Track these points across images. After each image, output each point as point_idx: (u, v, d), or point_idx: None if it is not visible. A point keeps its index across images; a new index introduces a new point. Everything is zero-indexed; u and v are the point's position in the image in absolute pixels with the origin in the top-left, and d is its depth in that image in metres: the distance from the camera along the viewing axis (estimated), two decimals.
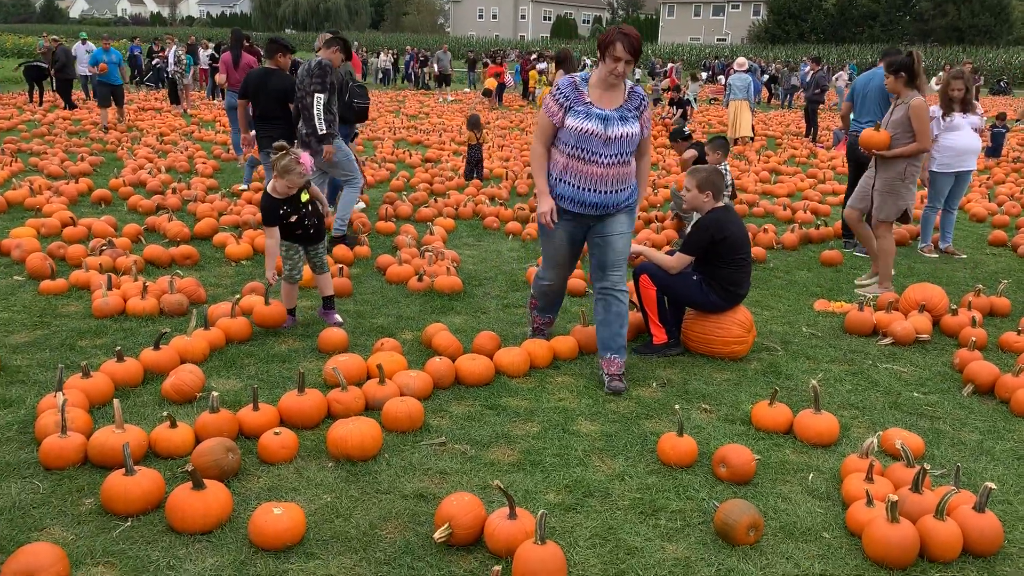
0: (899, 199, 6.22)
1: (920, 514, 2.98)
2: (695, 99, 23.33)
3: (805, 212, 9.04)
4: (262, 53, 11.73)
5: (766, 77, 30.94)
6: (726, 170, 7.50)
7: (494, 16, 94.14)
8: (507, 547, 2.81)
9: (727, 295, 4.81)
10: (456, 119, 19.57)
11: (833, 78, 28.54)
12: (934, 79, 15.30)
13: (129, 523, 2.99)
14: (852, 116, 7.77)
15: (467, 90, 32.99)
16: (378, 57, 35.96)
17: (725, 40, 73.77)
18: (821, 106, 19.40)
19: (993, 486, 2.98)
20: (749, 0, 75.85)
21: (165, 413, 3.57)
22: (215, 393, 3.65)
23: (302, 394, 3.84)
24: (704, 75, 35.34)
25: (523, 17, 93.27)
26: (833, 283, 6.66)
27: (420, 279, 6.04)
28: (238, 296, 5.24)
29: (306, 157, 4.82)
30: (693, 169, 4.94)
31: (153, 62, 26.85)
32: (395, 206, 8.68)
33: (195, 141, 14.30)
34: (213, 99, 22.85)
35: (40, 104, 20.20)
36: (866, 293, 6.29)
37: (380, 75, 35.03)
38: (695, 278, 4.82)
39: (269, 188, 4.90)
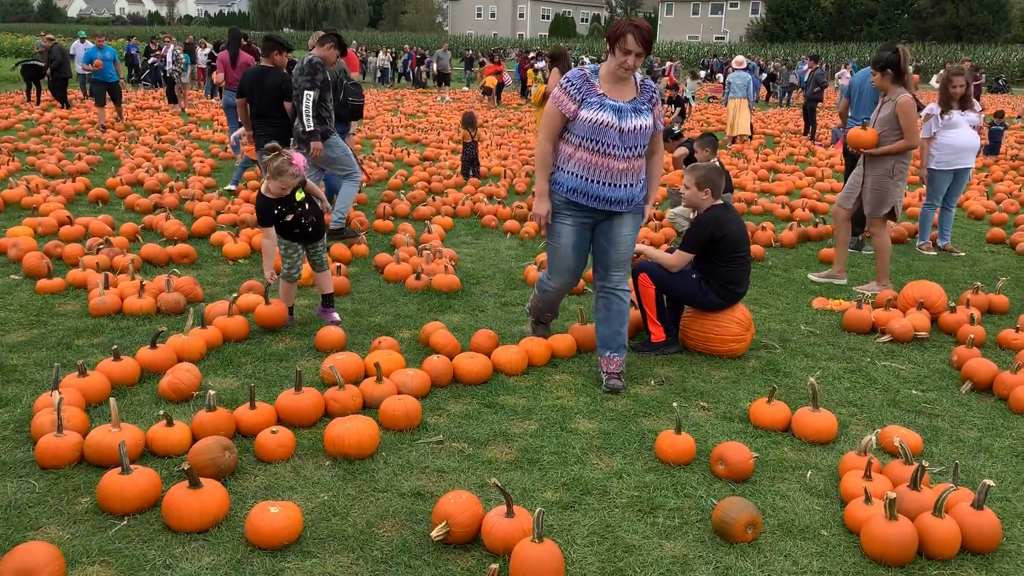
0: (888, 196, 6.22)
1: (918, 511, 2.98)
2: (693, 97, 23.33)
3: (803, 210, 9.04)
4: (260, 52, 11.72)
5: (764, 76, 30.95)
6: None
7: (492, 15, 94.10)
8: (504, 545, 2.81)
9: (726, 293, 4.80)
10: (454, 118, 19.55)
11: (836, 76, 28.56)
12: (935, 77, 15.30)
13: (125, 522, 2.98)
14: (849, 113, 7.76)
15: (465, 88, 32.99)
16: (377, 56, 35.95)
17: (723, 38, 73.83)
18: (820, 104, 19.40)
19: (991, 483, 2.98)
20: None
21: (162, 412, 3.56)
22: (212, 392, 3.64)
23: (299, 392, 3.83)
24: (703, 73, 35.37)
25: (521, 16, 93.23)
26: (832, 281, 6.65)
27: (418, 277, 6.03)
28: (235, 295, 5.23)
29: (298, 157, 4.80)
30: (693, 167, 4.93)
31: (150, 61, 26.84)
32: (393, 204, 8.67)
33: (193, 140, 14.29)
34: (211, 98, 22.84)
35: (38, 103, 20.17)
36: (864, 291, 6.29)
37: (378, 74, 35.02)
38: (694, 276, 4.81)
39: (263, 189, 4.88)
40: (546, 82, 10.52)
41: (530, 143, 14.42)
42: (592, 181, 4.13)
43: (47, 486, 3.21)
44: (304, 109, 6.74)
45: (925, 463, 3.16)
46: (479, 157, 11.30)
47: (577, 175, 4.15)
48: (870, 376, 4.68)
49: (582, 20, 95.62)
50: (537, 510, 2.75)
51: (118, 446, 3.08)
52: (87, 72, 16.04)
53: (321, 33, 7.33)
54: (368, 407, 3.96)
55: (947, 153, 7.46)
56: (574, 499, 3.26)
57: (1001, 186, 11.22)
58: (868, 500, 3.06)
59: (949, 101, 7.46)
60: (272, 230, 4.92)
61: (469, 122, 10.98)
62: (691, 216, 6.06)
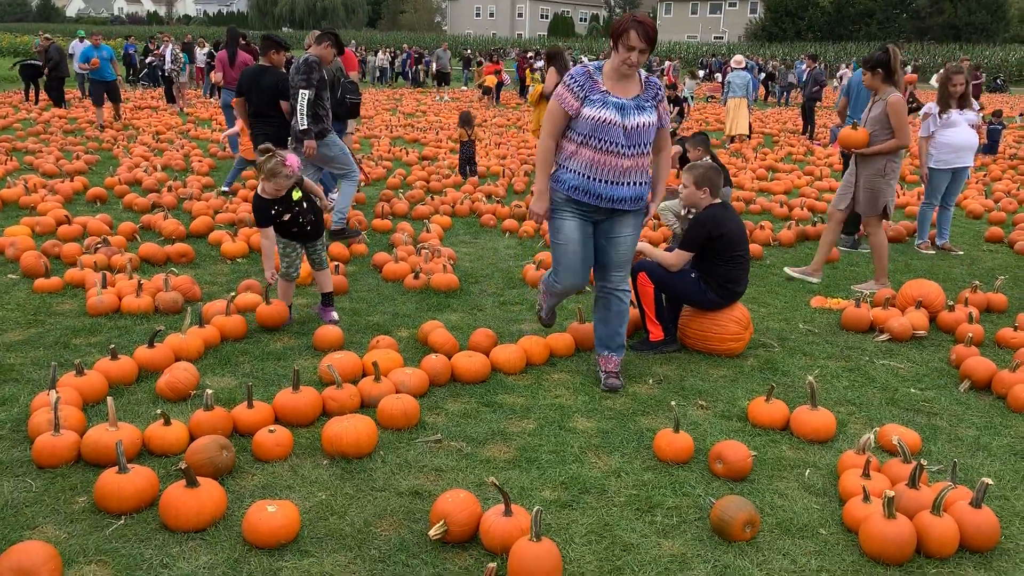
0: (881, 195, 6.22)
1: (917, 510, 2.97)
2: (692, 96, 23.34)
3: (802, 209, 9.04)
4: (258, 51, 11.71)
5: (763, 75, 30.96)
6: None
7: (491, 14, 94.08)
8: (502, 544, 2.80)
9: (725, 292, 4.79)
10: (453, 117, 19.54)
11: (838, 75, 28.56)
12: (934, 76, 15.31)
13: (122, 521, 2.98)
14: (848, 112, 7.76)
15: (464, 88, 32.98)
16: (376, 56, 35.95)
17: (722, 38, 73.88)
18: (819, 103, 19.40)
19: (990, 481, 2.98)
20: None
21: (159, 411, 3.55)
22: (209, 391, 3.64)
23: (297, 392, 3.82)
24: (701, 73, 35.38)
25: (520, 15, 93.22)
26: (830, 280, 6.65)
27: (416, 276, 6.03)
28: (233, 294, 5.22)
29: (292, 158, 4.79)
30: (691, 165, 4.93)
31: (148, 60, 26.81)
32: (391, 204, 8.66)
33: (191, 139, 14.28)
34: (210, 97, 22.83)
35: (36, 103, 20.15)
36: (863, 290, 6.28)
37: (377, 73, 35.03)
38: (693, 275, 4.81)
39: (259, 190, 4.88)
40: (543, 82, 10.51)
41: (529, 143, 14.42)
42: (596, 179, 4.08)
43: (44, 485, 3.20)
44: (299, 108, 6.74)
45: (923, 461, 3.16)
46: (476, 156, 11.29)
47: (580, 173, 4.10)
48: (868, 375, 4.68)
49: (581, 20, 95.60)
50: (535, 509, 2.74)
51: (115, 445, 3.07)
52: (84, 71, 16.02)
53: (318, 32, 7.34)
54: (366, 406, 3.96)
55: (946, 152, 7.45)
56: (572, 498, 3.25)
57: (999, 185, 11.23)
58: (867, 499, 3.06)
59: (948, 100, 7.45)
60: (271, 230, 4.91)
61: (466, 121, 10.98)
62: (681, 211, 6.06)
